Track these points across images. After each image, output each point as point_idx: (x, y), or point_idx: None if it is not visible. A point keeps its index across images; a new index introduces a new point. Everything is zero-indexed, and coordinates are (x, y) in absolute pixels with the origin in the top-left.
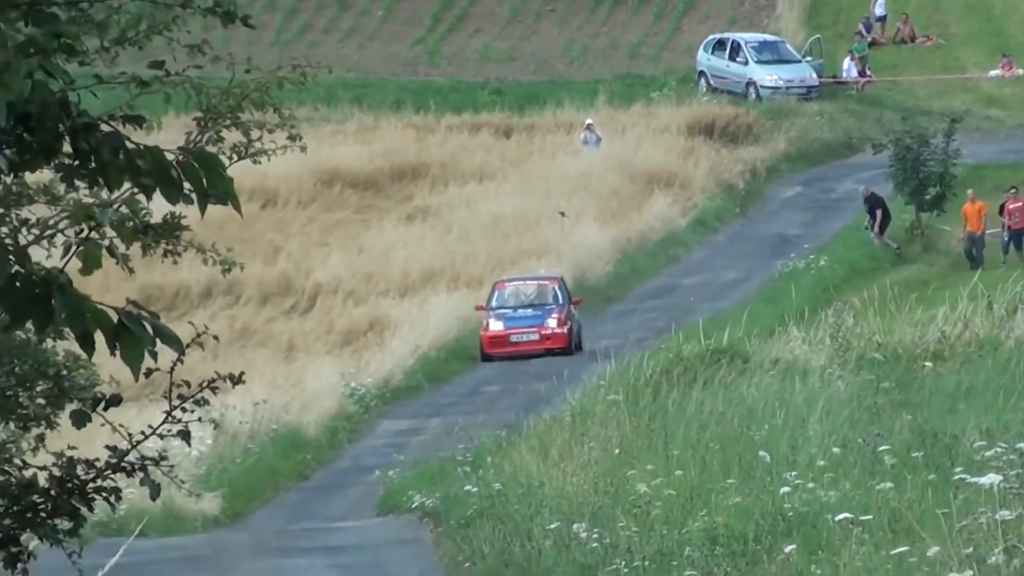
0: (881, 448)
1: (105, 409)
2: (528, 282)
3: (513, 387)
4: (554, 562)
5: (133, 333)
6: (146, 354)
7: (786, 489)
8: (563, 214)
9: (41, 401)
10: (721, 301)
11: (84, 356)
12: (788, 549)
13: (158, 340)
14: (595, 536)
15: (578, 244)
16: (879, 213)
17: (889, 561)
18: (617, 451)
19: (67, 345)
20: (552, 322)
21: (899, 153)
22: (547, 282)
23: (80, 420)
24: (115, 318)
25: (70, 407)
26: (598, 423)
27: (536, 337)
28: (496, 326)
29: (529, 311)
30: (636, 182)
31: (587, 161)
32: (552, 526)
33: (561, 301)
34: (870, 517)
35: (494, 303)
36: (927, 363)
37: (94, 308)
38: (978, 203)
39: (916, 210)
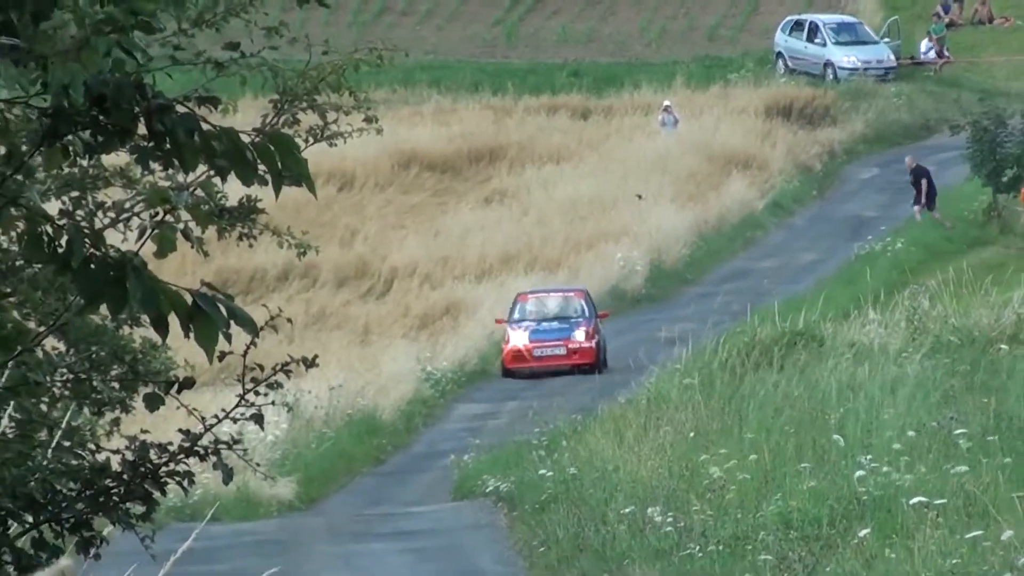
0: (956, 432)
1: (179, 392)
2: (552, 294)
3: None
4: (628, 546)
5: (207, 315)
6: (220, 337)
7: (861, 473)
8: (640, 196)
9: (115, 385)
10: (798, 284)
11: (160, 342)
12: (863, 533)
13: (232, 322)
14: (669, 520)
15: (655, 226)
16: (924, 184)
17: (963, 545)
18: (692, 435)
19: (143, 332)
20: (580, 335)
21: (976, 135)
22: (572, 294)
23: (153, 403)
24: (189, 300)
25: (144, 391)
26: (673, 407)
27: (562, 352)
28: (519, 339)
29: (555, 324)
30: (713, 164)
31: (664, 143)
32: (627, 510)
33: (588, 314)
34: (945, 501)
35: (516, 316)
36: (1003, 346)
37: (168, 290)
38: None
39: (993, 192)
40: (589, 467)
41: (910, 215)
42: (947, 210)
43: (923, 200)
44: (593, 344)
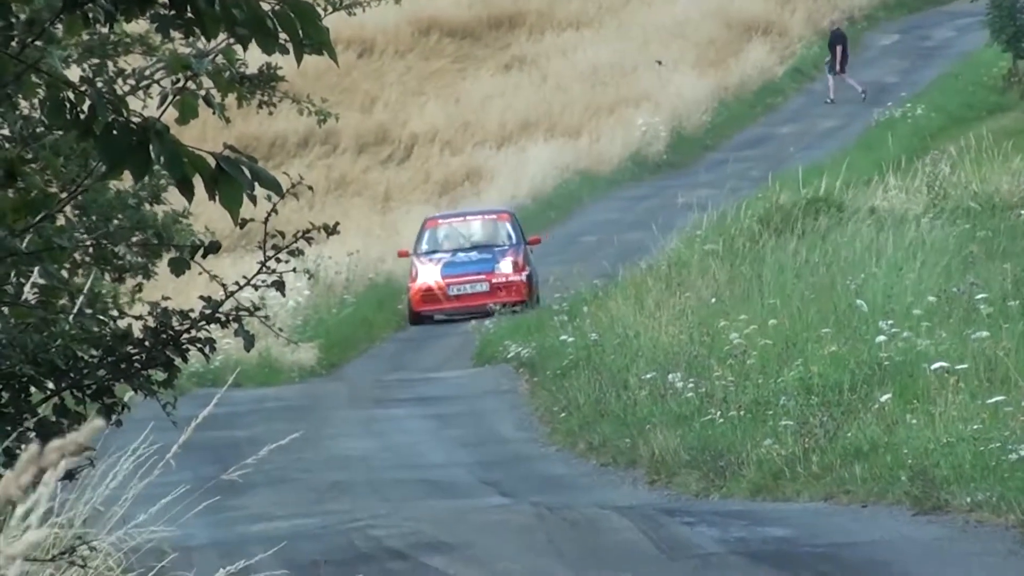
0: (977, 297)
1: (204, 256)
2: (469, 218)
3: (609, 237)
4: (650, 411)
5: (231, 176)
6: (244, 200)
7: (882, 338)
8: (660, 63)
9: (136, 250)
10: (818, 150)
11: (182, 213)
12: (884, 398)
13: (256, 184)
14: (690, 386)
15: (675, 93)
16: (839, 50)
17: (985, 410)
18: (713, 301)
19: (165, 208)
20: (506, 266)
21: (996, 1)
22: (495, 216)
23: (178, 267)
24: (213, 162)
25: (168, 256)
26: (694, 273)
27: (484, 288)
28: (430, 275)
29: (474, 254)
30: (733, 30)
31: (684, 9)
32: (648, 376)
33: (515, 240)
34: (966, 366)
35: (425, 246)
36: (1023, 211)
37: (191, 153)
38: None
39: (1013, 58)
40: (610, 333)
41: (932, 81)
42: (968, 76)
43: (837, 67)
44: (523, 277)
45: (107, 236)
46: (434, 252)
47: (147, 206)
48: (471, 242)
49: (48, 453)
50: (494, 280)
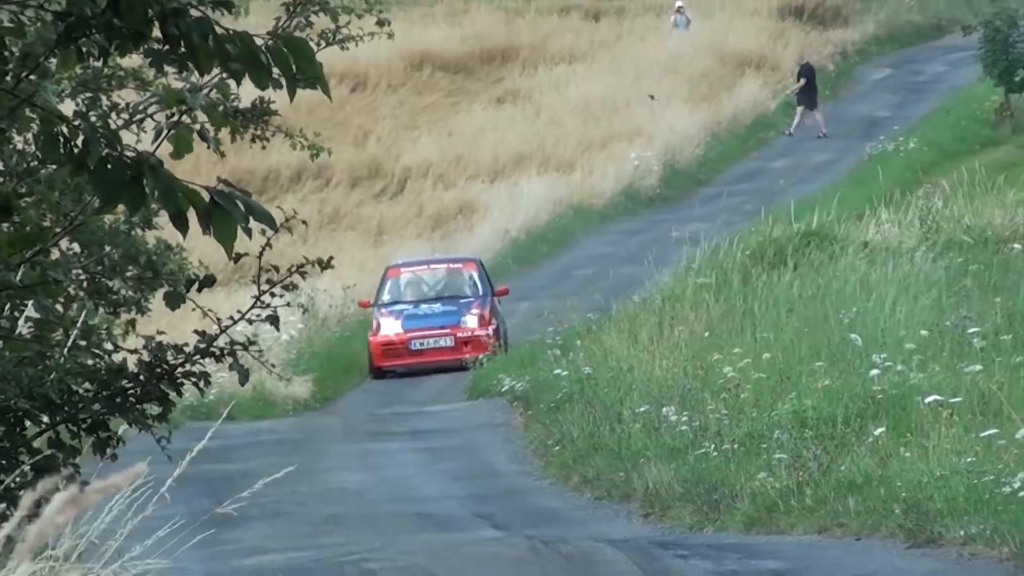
0: (970, 330)
1: (199, 290)
2: (434, 266)
3: (604, 270)
4: (643, 445)
5: (225, 210)
6: (239, 233)
7: (875, 372)
8: (652, 97)
9: (131, 284)
10: (810, 184)
11: (175, 243)
12: (877, 432)
13: (250, 218)
14: (684, 419)
15: (668, 127)
16: (802, 82)
17: (978, 443)
18: (706, 334)
19: (157, 233)
20: (471, 320)
21: (988, 35)
22: (460, 265)
23: (174, 301)
24: (207, 196)
25: (163, 290)
26: (687, 306)
27: (449, 343)
28: (391, 328)
29: (437, 306)
30: (726, 64)
31: (677, 44)
32: (641, 409)
33: (481, 291)
34: (959, 399)
35: (386, 296)
36: (1016, 245)
37: (186, 187)
38: None
39: (1005, 92)
40: (604, 367)
41: (924, 115)
42: (960, 110)
43: (794, 88)
44: (489, 332)
45: (102, 269)
46: (396, 303)
47: (139, 231)
48: (436, 291)
49: (89, 494)
50: (459, 334)
